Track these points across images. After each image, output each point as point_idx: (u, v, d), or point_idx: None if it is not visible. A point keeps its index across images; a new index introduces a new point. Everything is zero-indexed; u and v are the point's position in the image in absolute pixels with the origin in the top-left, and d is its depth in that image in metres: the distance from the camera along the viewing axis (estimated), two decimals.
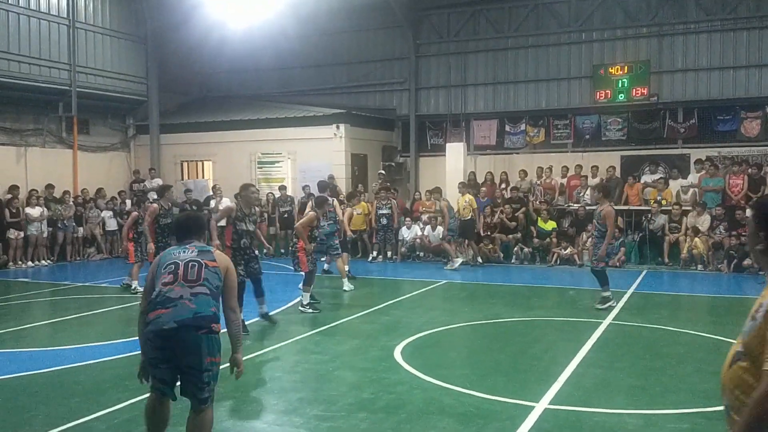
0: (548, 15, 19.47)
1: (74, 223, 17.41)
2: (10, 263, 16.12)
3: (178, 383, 4.47)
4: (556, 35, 19.38)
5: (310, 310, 10.08)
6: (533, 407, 5.79)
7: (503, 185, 18.04)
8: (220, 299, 4.54)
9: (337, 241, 12.59)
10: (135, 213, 13.31)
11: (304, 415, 5.72)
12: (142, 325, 4.45)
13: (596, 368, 7.11)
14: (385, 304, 10.68)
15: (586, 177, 17.17)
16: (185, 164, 21.52)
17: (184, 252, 4.59)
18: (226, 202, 18.13)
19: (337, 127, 18.96)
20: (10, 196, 16.43)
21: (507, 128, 19.81)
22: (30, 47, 17.73)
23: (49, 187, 17.55)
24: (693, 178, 16.59)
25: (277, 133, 19.57)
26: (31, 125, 18.51)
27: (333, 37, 21.29)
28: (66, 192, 17.73)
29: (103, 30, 19.77)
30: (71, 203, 17.50)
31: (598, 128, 18.80)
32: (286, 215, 17.84)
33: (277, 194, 18.36)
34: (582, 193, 16.81)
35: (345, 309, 10.66)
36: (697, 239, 14.77)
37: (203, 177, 21.15)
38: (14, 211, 16.24)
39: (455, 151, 18.70)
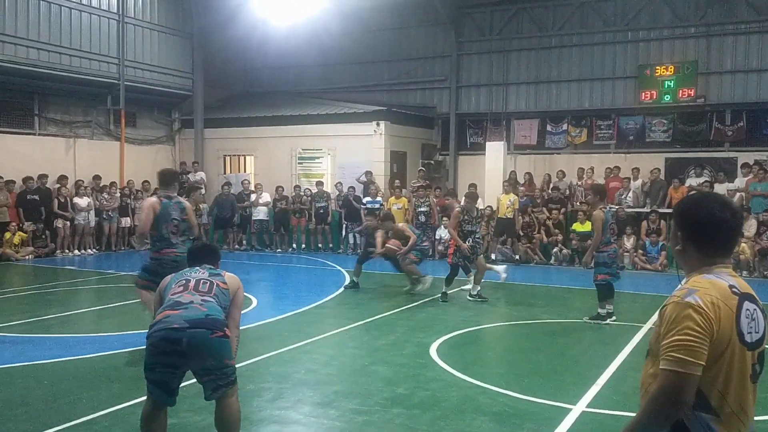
0: (593, 13, 19.21)
1: (118, 214, 17.81)
2: (58, 251, 16.61)
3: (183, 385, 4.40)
4: (601, 34, 19.10)
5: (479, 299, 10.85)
6: (570, 409, 5.74)
7: (545, 185, 17.87)
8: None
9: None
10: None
11: (339, 408, 5.77)
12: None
13: (635, 372, 6.93)
14: (421, 301, 10.69)
15: (629, 179, 16.90)
16: (228, 158, 21.83)
17: (195, 272, 4.66)
18: (266, 197, 18.46)
19: (378, 124, 19.02)
20: (58, 185, 16.92)
21: (548, 128, 19.61)
22: (81, 41, 18.23)
23: (96, 178, 18.01)
24: (740, 182, 16.18)
25: (317, 129, 19.71)
26: (80, 117, 19.05)
27: (375, 34, 21.34)
28: (113, 183, 18.15)
29: (151, 25, 20.19)
30: (117, 195, 17.90)
31: (642, 129, 18.48)
32: (321, 210, 18.08)
33: (315, 190, 18.50)
34: (624, 195, 16.57)
35: (382, 305, 10.69)
36: (744, 244, 14.42)
37: (245, 171, 21.43)
38: (62, 200, 16.73)
39: (495, 150, 18.60)
